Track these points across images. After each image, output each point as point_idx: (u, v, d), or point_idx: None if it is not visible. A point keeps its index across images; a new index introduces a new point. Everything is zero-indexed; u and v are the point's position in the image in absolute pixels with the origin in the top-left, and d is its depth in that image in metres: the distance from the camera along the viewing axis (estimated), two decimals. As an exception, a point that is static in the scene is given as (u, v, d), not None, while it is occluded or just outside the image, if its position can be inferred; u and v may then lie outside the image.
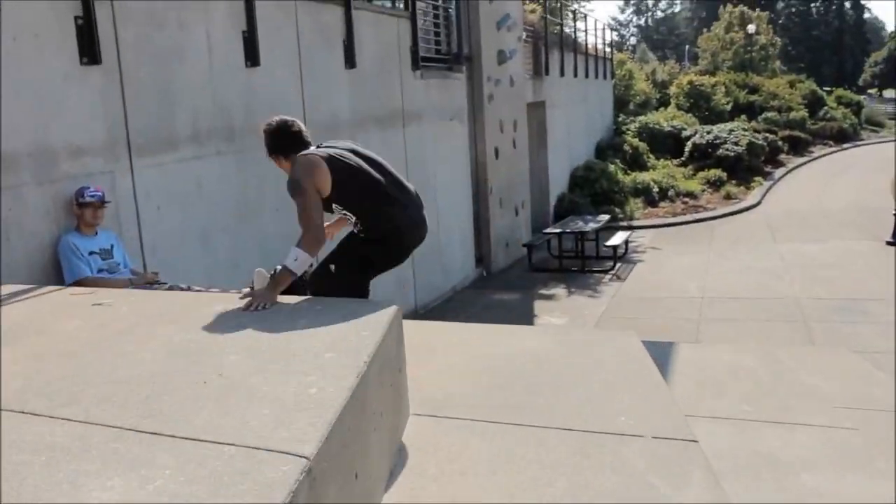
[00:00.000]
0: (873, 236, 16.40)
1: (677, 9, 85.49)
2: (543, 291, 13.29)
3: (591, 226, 15.78)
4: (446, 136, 12.81)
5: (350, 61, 9.60)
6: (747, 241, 16.96)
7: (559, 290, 13.35)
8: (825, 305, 11.41)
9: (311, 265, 4.30)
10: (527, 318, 11.61)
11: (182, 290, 5.36)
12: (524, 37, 16.91)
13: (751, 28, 43.86)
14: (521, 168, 16.68)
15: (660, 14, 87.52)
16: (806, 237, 16.86)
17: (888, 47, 73.59)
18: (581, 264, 14.97)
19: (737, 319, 10.86)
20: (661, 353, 5.80)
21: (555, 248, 15.73)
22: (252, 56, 7.67)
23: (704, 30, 53.08)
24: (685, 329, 10.49)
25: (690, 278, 13.64)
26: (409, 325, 5.48)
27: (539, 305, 12.30)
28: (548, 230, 15.50)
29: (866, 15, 79.10)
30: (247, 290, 5.59)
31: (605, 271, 14.67)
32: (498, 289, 13.60)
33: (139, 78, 6.31)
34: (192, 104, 6.93)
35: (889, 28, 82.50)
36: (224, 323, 3.21)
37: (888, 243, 15.61)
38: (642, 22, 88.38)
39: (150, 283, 5.51)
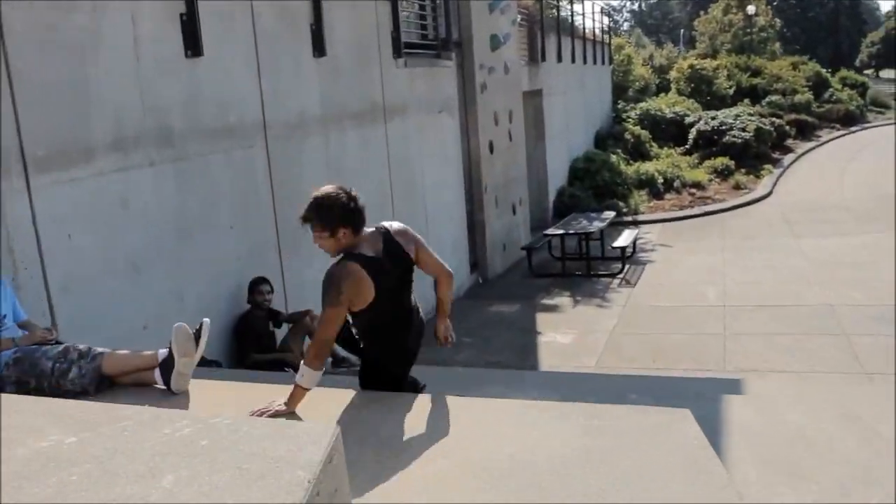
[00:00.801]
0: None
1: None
2: (546, 301, 11.99)
3: (596, 224, 14.47)
4: (434, 131, 11.50)
5: (319, 49, 8.27)
6: (764, 237, 15.67)
7: (564, 300, 12.05)
8: (863, 314, 10.11)
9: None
10: (530, 334, 10.32)
11: (78, 352, 4.05)
12: (518, 20, 15.56)
13: (750, 9, 42.41)
14: (518, 162, 15.36)
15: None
16: (827, 231, 15.56)
17: (885, 27, 72.40)
18: (586, 267, 13.67)
19: (767, 334, 9.57)
20: (707, 412, 4.52)
21: (556, 248, 14.43)
22: (193, 44, 6.34)
23: (702, 12, 51.61)
24: (711, 348, 9.20)
25: (707, 282, 12.35)
26: (375, 400, 4.16)
27: (542, 319, 11.00)
28: (549, 231, 14.18)
29: (861, -5, 77.69)
30: (163, 351, 4.25)
31: (613, 275, 13.37)
32: (496, 299, 12.29)
33: (36, 75, 4.98)
34: (114, 104, 5.60)
35: (884, 8, 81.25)
36: (45, 479, 1.91)
37: (918, 237, 14.35)
38: (636, 7, 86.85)
39: (41, 343, 4.19)
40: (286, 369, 6.61)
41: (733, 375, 7.82)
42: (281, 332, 7.23)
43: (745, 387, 6.23)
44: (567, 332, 10.27)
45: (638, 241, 15.01)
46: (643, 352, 9.31)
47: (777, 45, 49.94)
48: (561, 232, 13.89)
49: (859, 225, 15.90)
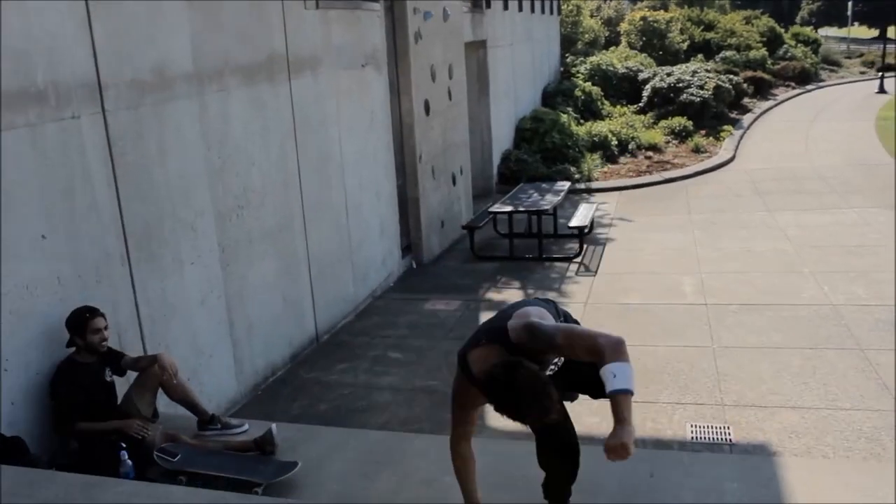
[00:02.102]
0: (888, 203, 13.48)
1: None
2: (493, 296, 10.05)
3: (549, 199, 12.50)
4: (356, 90, 9.34)
5: (189, -21, 6.07)
6: (735, 210, 13.90)
7: (513, 293, 10.13)
8: (875, 318, 8.39)
9: None
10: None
11: None
12: (459, -42, 13.38)
13: (701, -41, 40.55)
14: (459, 125, 13.29)
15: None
16: (805, 205, 13.88)
17: (826, -15, 71.90)
18: (537, 248, 11.72)
19: (766, 347, 7.75)
20: None
21: (502, 222, 12.49)
22: (-40, -40, 4.13)
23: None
24: (698, 368, 7.36)
25: (680, 269, 10.54)
26: None
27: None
28: (494, 208, 12.16)
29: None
30: None
31: (569, 258, 11.49)
32: (432, 291, 10.29)
33: None
34: None
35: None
36: None
37: (908, 213, 12.75)
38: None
39: None
40: (123, 445, 4.53)
41: (758, 445, 6.00)
42: (123, 384, 5.12)
43: (782, 469, 4.43)
44: (519, 343, 8.32)
45: (594, 214, 13.13)
46: (615, 373, 7.43)
47: (726, -3, 48.42)
48: (509, 209, 11.89)
49: (838, 197, 14.25)
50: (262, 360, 7.31)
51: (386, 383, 7.39)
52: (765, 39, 32.75)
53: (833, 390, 6.80)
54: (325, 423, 6.56)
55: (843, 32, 61.70)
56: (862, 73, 36.82)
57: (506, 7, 17.24)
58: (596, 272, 10.78)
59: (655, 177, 17.28)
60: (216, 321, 6.54)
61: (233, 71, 6.73)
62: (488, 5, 15.64)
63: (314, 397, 7.12)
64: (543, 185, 13.79)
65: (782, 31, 35.88)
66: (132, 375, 5.07)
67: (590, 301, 9.57)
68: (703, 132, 20.82)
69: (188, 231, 6.14)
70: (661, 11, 32.85)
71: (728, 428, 6.30)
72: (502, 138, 17.34)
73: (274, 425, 4.83)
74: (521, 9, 18.93)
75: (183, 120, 6.07)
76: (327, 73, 8.53)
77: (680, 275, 10.30)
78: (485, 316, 9.23)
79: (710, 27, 32.21)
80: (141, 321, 5.57)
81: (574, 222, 11.82)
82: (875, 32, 66.54)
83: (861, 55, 41.39)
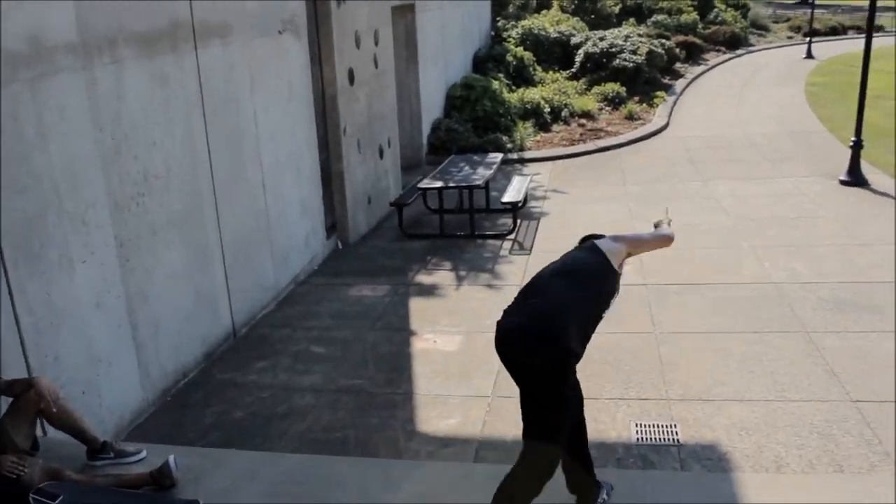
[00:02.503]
0: (821, 171, 13.32)
1: None
2: (422, 279, 9.48)
3: (481, 172, 11.96)
4: (273, 59, 8.61)
5: (70, -64, 5.29)
6: (670, 180, 13.56)
7: (444, 276, 9.58)
8: (817, 296, 8.13)
9: None
10: (402, 335, 7.80)
11: None
12: (384, -83, 12.61)
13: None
14: (386, 94, 12.61)
15: None
16: (740, 174, 13.62)
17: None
18: (469, 225, 11.20)
19: (709, 333, 7.39)
20: None
21: (433, 197, 11.91)
22: None
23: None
24: (641, 358, 6.95)
25: (617, 246, 10.11)
26: None
27: (418, 308, 8.49)
28: (423, 184, 11.54)
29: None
30: None
31: (502, 235, 11.00)
32: (358, 274, 9.69)
33: None
34: None
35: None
36: None
37: (842, 182, 12.58)
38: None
39: None
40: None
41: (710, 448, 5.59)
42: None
43: (741, 488, 4.03)
44: (451, 332, 7.80)
45: (528, 187, 12.63)
46: (553, 365, 6.98)
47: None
48: (439, 184, 11.31)
49: (772, 166, 14.03)
50: (172, 363, 6.65)
51: (308, 384, 6.80)
52: (696, 3, 32.60)
53: (781, 379, 6.47)
54: (241, 433, 5.99)
55: (769, -4, 62.23)
56: (789, 37, 37.01)
57: (434, -32, 16.52)
58: (530, 251, 10.31)
59: (589, 145, 16.86)
60: (115, 324, 5.85)
61: (127, 40, 5.98)
62: (416, -33, 14.93)
63: (229, 402, 6.50)
64: (475, 158, 13.24)
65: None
66: (7, 400, 4.40)
67: (525, 283, 9.07)
68: (636, 99, 20.49)
69: (78, 225, 5.43)
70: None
71: (675, 426, 5.91)
72: (432, 107, 16.68)
73: (172, 456, 4.21)
74: (450, -30, 18.21)
75: (67, 97, 5.33)
76: (239, 41, 7.80)
77: (618, 253, 9.88)
78: (415, 303, 8.70)
79: (641, -10, 31.91)
80: (21, 332, 4.87)
81: (507, 197, 11.32)
82: (800, -4, 67.25)
83: (788, 20, 41.62)
